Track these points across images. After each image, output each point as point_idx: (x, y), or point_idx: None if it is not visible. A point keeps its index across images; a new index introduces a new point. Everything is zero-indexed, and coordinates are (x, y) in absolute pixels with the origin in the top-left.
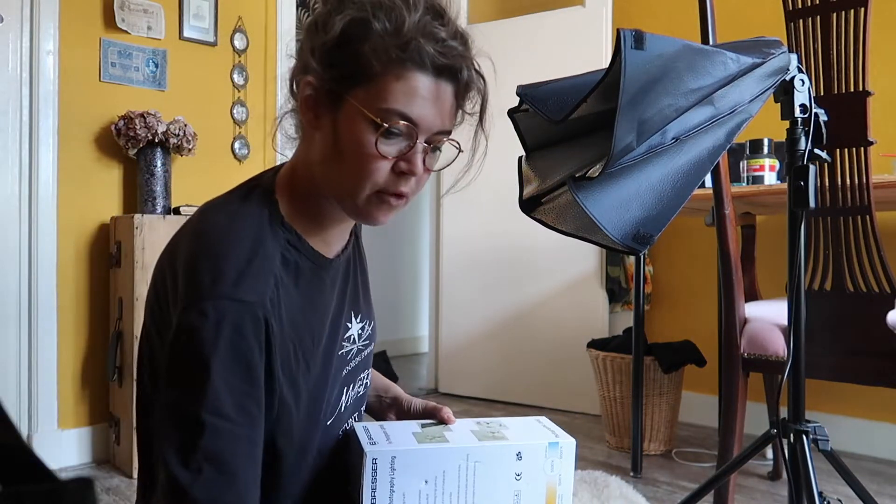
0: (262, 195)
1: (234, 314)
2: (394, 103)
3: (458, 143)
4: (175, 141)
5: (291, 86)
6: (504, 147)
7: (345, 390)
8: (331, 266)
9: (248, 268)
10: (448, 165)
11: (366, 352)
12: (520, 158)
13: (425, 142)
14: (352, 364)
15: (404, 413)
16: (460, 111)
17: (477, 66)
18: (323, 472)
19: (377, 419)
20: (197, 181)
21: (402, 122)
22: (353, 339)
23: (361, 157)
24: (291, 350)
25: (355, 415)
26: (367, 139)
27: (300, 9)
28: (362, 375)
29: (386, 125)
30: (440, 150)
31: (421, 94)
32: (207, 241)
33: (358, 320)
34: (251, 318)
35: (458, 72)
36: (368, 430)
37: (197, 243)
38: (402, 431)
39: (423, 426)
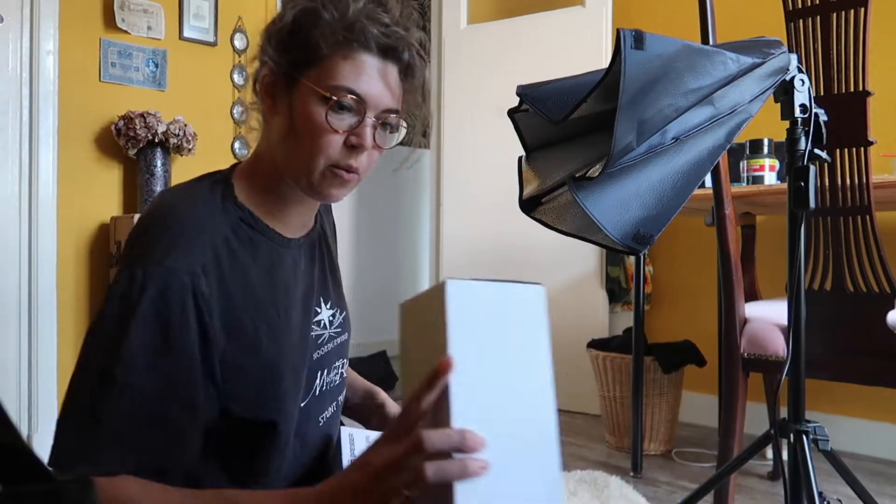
0: (217, 180)
1: (159, 278)
2: (342, 80)
3: (406, 123)
4: (175, 141)
5: (255, 85)
6: (504, 147)
7: (318, 374)
8: (290, 245)
9: (182, 238)
10: (398, 144)
11: (339, 339)
12: (520, 158)
13: (375, 118)
14: (323, 349)
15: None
16: (406, 94)
17: (418, 50)
18: (307, 463)
19: (363, 423)
20: None
21: (349, 95)
22: (324, 324)
23: (314, 132)
24: (248, 319)
25: (333, 405)
26: (318, 113)
27: None
28: (337, 364)
29: (335, 98)
30: (393, 130)
31: (367, 72)
32: (151, 217)
33: (328, 307)
34: (176, 282)
35: (400, 53)
36: (353, 441)
37: (142, 221)
38: None
39: None
